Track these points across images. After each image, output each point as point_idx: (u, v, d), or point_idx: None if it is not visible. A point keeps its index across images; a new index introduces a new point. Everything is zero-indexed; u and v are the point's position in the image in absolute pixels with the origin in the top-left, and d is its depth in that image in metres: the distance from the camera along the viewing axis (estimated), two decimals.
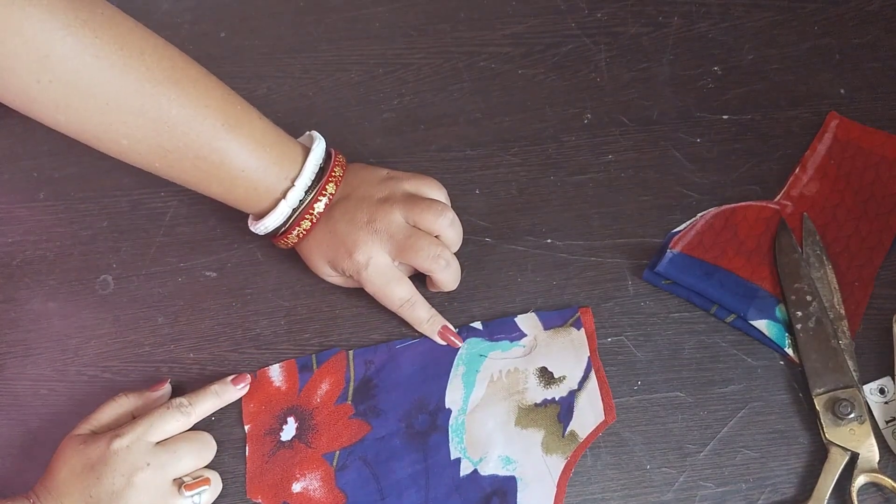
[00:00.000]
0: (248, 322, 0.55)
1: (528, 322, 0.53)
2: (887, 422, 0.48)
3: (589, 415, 0.50)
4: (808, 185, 0.57)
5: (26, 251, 0.59)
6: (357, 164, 0.55)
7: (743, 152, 0.59)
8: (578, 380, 0.51)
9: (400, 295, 0.52)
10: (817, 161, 0.58)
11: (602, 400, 0.50)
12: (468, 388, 0.51)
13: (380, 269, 0.51)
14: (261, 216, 0.51)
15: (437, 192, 0.53)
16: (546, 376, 0.51)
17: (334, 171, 0.52)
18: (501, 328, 0.53)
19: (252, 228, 0.53)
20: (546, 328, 0.53)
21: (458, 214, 0.57)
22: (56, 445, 0.47)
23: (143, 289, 0.57)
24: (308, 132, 0.53)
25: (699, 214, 0.56)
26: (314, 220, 0.51)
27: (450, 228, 0.52)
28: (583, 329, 0.52)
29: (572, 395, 0.50)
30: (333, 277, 0.53)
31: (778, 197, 0.56)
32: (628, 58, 0.64)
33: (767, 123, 0.60)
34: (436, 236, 0.51)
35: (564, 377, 0.51)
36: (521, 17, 0.66)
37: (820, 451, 0.48)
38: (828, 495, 0.46)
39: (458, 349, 0.53)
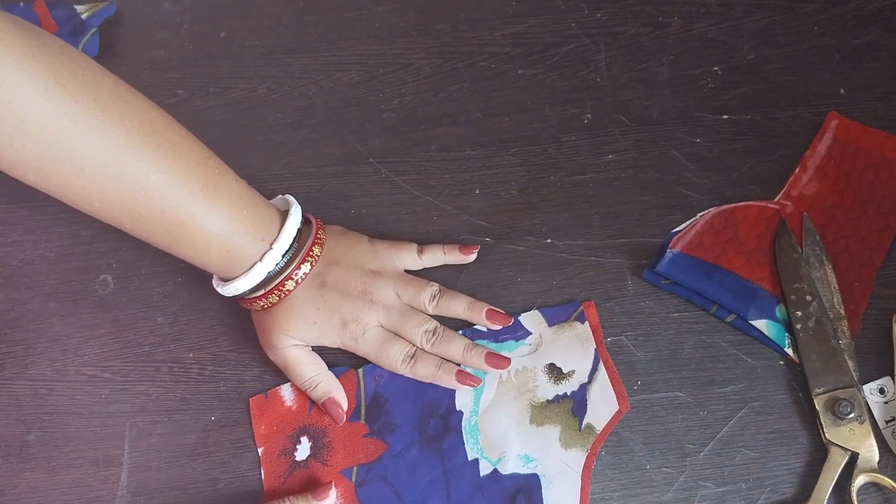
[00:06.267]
0: (248, 322, 0.55)
1: (532, 320, 0.53)
2: (887, 422, 0.48)
3: (603, 406, 0.50)
4: (808, 185, 0.57)
5: (26, 251, 0.59)
6: (334, 227, 0.54)
7: (743, 152, 0.59)
8: (588, 373, 0.51)
9: (399, 353, 0.51)
10: (817, 161, 0.58)
11: (614, 390, 0.50)
12: (477, 389, 0.51)
13: (376, 334, 0.51)
14: (228, 278, 0.50)
15: (421, 263, 0.54)
16: (555, 372, 0.51)
17: (319, 234, 0.51)
18: (506, 328, 0.53)
19: (218, 290, 0.51)
20: (550, 325, 0.53)
21: (458, 214, 0.58)
22: (55, 445, 0.47)
23: (143, 289, 0.57)
24: (281, 195, 0.53)
25: (699, 214, 0.56)
26: (298, 282, 0.50)
27: (442, 305, 0.52)
28: (587, 322, 0.52)
29: (583, 388, 0.50)
30: (283, 349, 0.51)
31: (778, 197, 0.56)
32: (628, 58, 0.64)
33: (767, 123, 0.60)
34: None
35: (573, 371, 0.51)
36: (521, 17, 0.66)
37: (820, 451, 0.48)
38: (828, 495, 0.46)
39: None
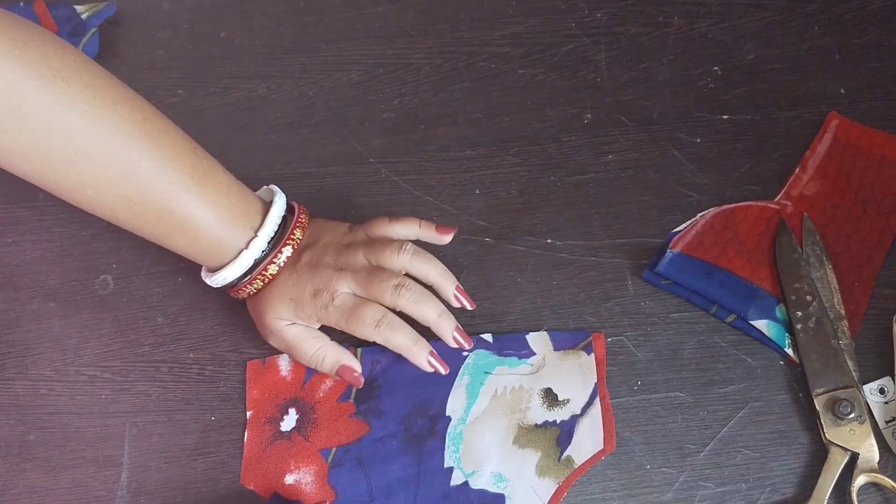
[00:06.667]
0: (248, 322, 0.55)
1: (538, 340, 0.53)
2: (887, 422, 0.48)
3: (588, 442, 0.49)
4: (808, 185, 0.57)
5: (26, 251, 0.59)
6: (319, 218, 0.54)
7: (743, 152, 0.59)
8: (582, 405, 0.50)
9: (371, 316, 0.49)
10: (817, 161, 0.58)
11: (603, 429, 0.49)
12: (471, 398, 0.51)
13: (345, 300, 0.49)
14: (216, 269, 0.51)
15: (392, 229, 0.52)
16: (550, 398, 0.50)
17: (300, 219, 0.52)
18: (511, 344, 0.53)
19: (207, 281, 0.51)
20: (556, 349, 0.52)
21: (458, 214, 0.58)
22: (55, 445, 0.47)
23: (143, 289, 0.57)
24: (266, 186, 0.53)
25: (699, 214, 0.56)
26: (281, 265, 0.50)
27: (414, 260, 0.50)
28: (593, 355, 0.52)
29: (574, 419, 0.50)
30: (281, 329, 0.51)
31: (778, 197, 0.56)
32: (628, 58, 0.64)
33: (767, 123, 0.60)
34: (406, 274, 0.50)
35: (568, 400, 0.50)
36: (521, 17, 0.66)
37: (820, 451, 0.48)
38: (827, 495, 0.46)
39: (465, 359, 0.52)
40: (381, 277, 0.49)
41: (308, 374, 0.53)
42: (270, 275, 0.50)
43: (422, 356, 0.50)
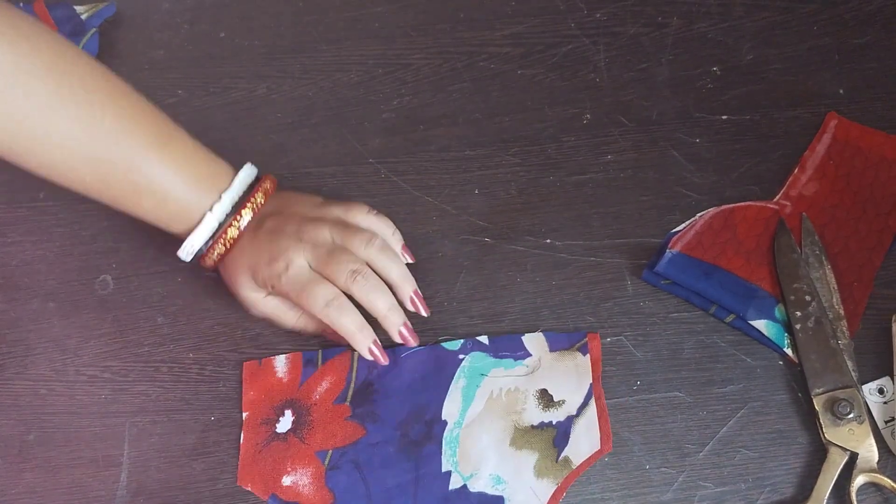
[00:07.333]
0: (248, 322, 0.55)
1: (534, 341, 0.53)
2: (886, 422, 0.48)
3: (584, 442, 0.49)
4: (808, 186, 0.57)
5: (26, 251, 0.59)
6: (291, 190, 0.54)
7: (742, 152, 0.59)
8: (578, 406, 0.50)
9: (323, 295, 0.48)
10: (816, 161, 0.58)
11: (599, 429, 0.49)
12: (466, 401, 0.51)
13: (300, 272, 0.49)
14: (186, 235, 0.51)
15: (368, 220, 0.52)
16: (545, 399, 0.51)
17: (264, 184, 0.52)
18: (507, 345, 0.53)
19: (180, 255, 0.51)
20: (552, 350, 0.52)
21: (457, 214, 0.58)
22: (55, 445, 0.47)
23: (143, 289, 0.57)
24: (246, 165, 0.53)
25: (698, 214, 0.56)
26: (241, 230, 0.50)
27: (380, 255, 0.50)
28: (588, 355, 0.52)
29: (570, 420, 0.50)
30: (257, 302, 0.51)
31: (777, 197, 0.56)
32: (628, 58, 0.64)
33: (767, 123, 0.60)
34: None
35: (564, 401, 0.50)
36: (520, 17, 0.66)
37: (819, 451, 0.48)
38: (827, 495, 0.46)
39: (461, 362, 0.52)
40: (341, 259, 0.49)
41: (304, 375, 0.53)
42: (231, 238, 0.50)
43: (364, 344, 0.50)
